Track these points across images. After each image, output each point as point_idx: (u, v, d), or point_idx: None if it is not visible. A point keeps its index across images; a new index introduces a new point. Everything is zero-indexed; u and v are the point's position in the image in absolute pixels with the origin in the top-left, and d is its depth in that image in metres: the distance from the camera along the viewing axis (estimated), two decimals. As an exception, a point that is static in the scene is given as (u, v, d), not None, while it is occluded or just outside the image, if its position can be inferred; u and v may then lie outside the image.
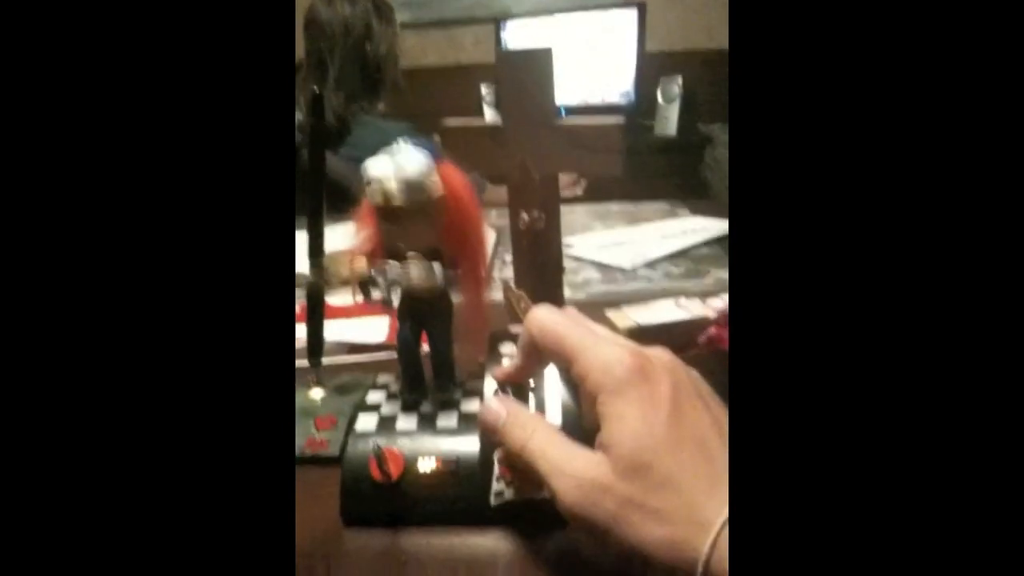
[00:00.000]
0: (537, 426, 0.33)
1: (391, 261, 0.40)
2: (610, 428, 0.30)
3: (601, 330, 0.35)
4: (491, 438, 0.35)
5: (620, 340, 0.33)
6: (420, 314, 0.42)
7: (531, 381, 0.39)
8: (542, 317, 0.35)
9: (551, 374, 0.39)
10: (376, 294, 0.41)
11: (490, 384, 0.39)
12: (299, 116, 1.80)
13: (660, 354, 0.32)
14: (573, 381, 0.37)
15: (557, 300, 0.53)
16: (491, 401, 0.36)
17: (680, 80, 2.28)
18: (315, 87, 0.48)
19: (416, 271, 0.39)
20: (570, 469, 0.30)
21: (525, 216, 0.49)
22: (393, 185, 0.37)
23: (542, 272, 0.51)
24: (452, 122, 0.50)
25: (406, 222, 0.38)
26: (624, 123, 0.44)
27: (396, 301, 0.42)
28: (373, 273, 0.40)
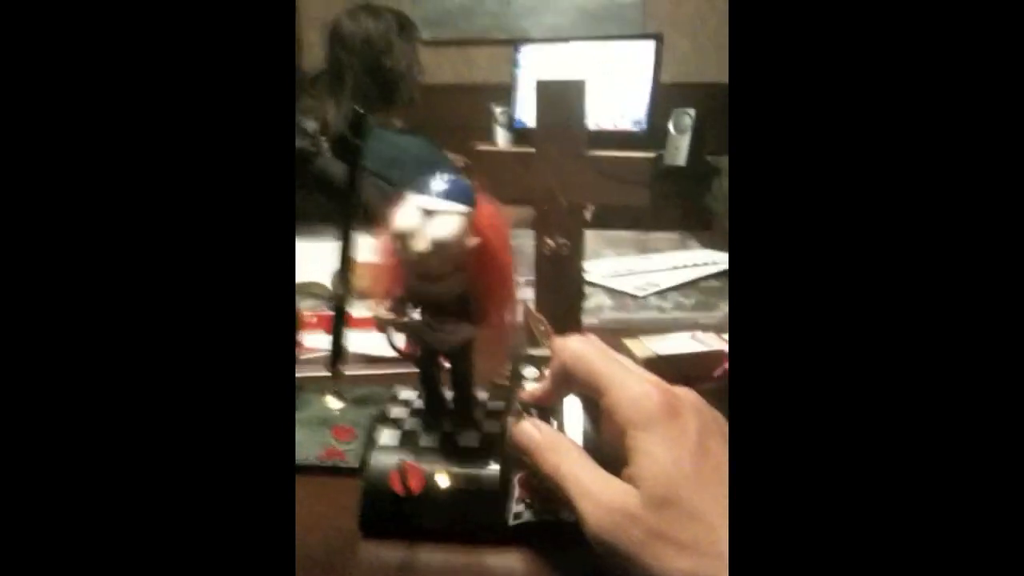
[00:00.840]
0: (571, 450, 0.34)
1: (417, 320, 0.38)
2: (640, 462, 0.31)
3: (627, 363, 0.36)
4: (522, 459, 0.36)
5: (648, 375, 0.34)
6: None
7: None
8: (574, 347, 0.36)
9: (572, 401, 0.39)
10: (399, 343, 0.40)
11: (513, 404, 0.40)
12: (312, 126, 1.82)
13: (686, 393, 0.33)
14: (595, 410, 0.38)
15: (575, 325, 0.54)
16: (526, 424, 0.37)
17: (692, 112, 2.31)
18: (356, 107, 0.49)
19: (449, 340, 0.38)
20: (600, 495, 0.31)
21: (550, 242, 0.50)
22: (427, 249, 0.34)
23: (562, 297, 0.52)
24: (482, 147, 0.51)
25: (436, 283, 0.36)
26: (654, 157, 0.45)
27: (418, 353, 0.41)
28: (400, 326, 0.38)
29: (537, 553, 0.37)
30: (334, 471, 0.44)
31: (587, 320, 0.75)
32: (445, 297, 0.38)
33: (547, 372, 0.38)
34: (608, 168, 0.47)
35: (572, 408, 0.39)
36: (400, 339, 0.41)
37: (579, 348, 0.36)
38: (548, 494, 0.37)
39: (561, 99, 0.46)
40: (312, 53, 2.65)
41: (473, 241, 0.36)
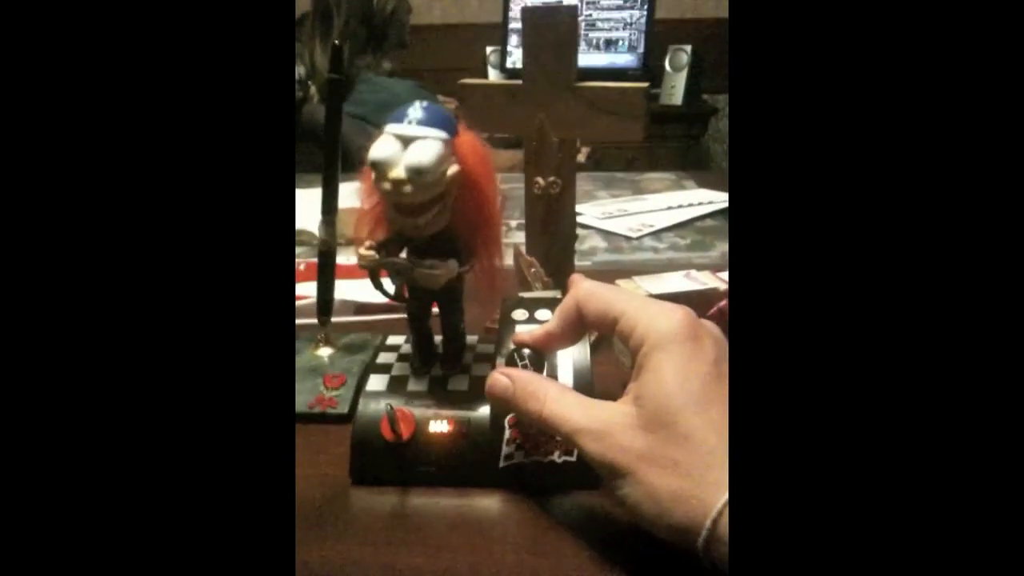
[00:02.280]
0: (548, 391, 0.33)
1: (402, 259, 0.37)
2: (645, 379, 0.30)
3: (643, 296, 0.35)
4: (502, 408, 0.36)
5: (674, 304, 0.33)
6: (431, 291, 0.40)
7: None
8: (588, 283, 0.36)
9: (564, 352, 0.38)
10: (387, 286, 0.40)
11: (503, 345, 0.39)
12: (300, 71, 1.77)
13: (711, 325, 0.33)
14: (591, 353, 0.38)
15: (568, 267, 0.53)
16: (496, 375, 0.35)
17: (689, 49, 2.25)
18: (335, 41, 0.46)
19: (433, 274, 0.37)
20: (591, 423, 0.31)
21: (541, 181, 0.48)
22: (404, 178, 0.33)
23: (554, 239, 0.51)
24: (469, 82, 0.49)
25: (419, 215, 0.35)
26: (646, 87, 0.43)
27: (407, 294, 0.41)
28: (385, 267, 0.38)
29: (527, 495, 0.36)
30: (324, 418, 0.43)
31: (580, 262, 0.74)
32: (428, 233, 0.37)
33: (553, 314, 0.37)
34: (599, 101, 0.45)
35: (564, 355, 0.38)
36: (387, 281, 0.40)
37: (593, 284, 0.36)
38: (538, 436, 0.36)
39: (549, 27, 0.44)
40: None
41: (453, 168, 0.35)
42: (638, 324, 0.32)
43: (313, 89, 1.66)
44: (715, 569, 0.27)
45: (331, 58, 0.47)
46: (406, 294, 0.40)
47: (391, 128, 0.34)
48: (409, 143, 0.34)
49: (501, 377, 0.35)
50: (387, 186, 0.34)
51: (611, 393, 0.33)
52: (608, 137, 0.46)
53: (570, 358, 0.38)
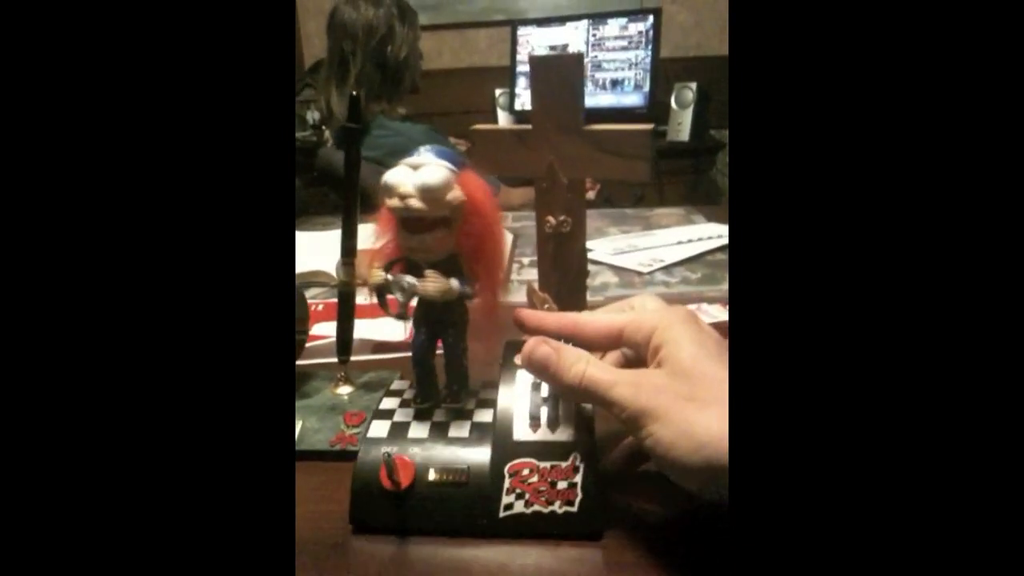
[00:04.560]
0: (590, 358, 0.36)
1: (408, 276, 0.39)
2: (667, 350, 0.34)
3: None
4: (543, 378, 0.38)
5: None
6: (435, 322, 0.42)
7: None
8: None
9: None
10: (391, 304, 0.41)
11: (504, 394, 0.40)
12: (314, 117, 1.82)
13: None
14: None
15: (580, 303, 0.54)
16: (538, 343, 0.37)
17: (695, 86, 2.29)
18: (352, 90, 0.48)
19: (432, 286, 0.39)
20: (628, 378, 0.34)
21: (551, 220, 0.50)
22: (412, 193, 0.37)
23: (566, 275, 0.52)
24: (480, 128, 0.51)
25: (425, 232, 0.38)
26: (653, 129, 0.45)
27: (411, 314, 0.42)
28: (390, 282, 0.40)
29: (528, 545, 0.36)
30: (345, 456, 0.44)
31: (593, 297, 0.75)
32: (434, 257, 0.39)
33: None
34: (606, 142, 0.46)
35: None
36: (393, 302, 0.41)
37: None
38: (539, 485, 0.37)
39: (556, 73, 0.46)
40: (312, 43, 2.66)
41: (458, 195, 0.38)
42: (645, 319, 0.36)
43: (328, 133, 1.70)
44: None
45: (349, 107, 0.49)
46: (411, 313, 0.42)
47: (404, 161, 0.38)
48: (418, 168, 0.37)
49: (543, 345, 0.37)
50: (396, 202, 0.37)
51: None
52: (616, 177, 0.47)
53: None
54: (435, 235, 0.38)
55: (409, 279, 0.39)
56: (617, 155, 0.46)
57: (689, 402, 0.31)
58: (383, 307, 0.41)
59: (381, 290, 0.40)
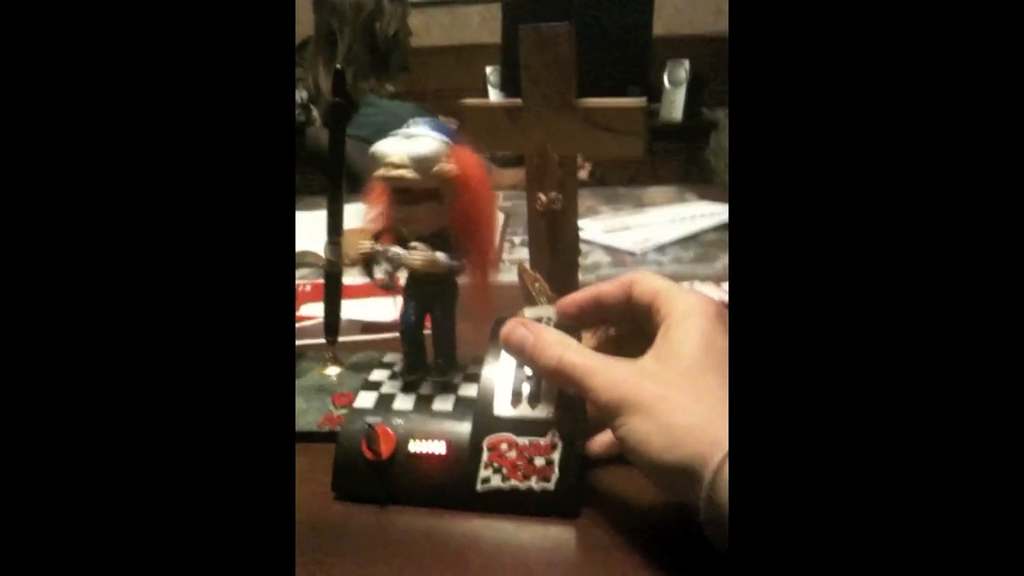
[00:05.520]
0: (569, 344, 0.35)
1: (394, 247, 0.39)
2: (672, 339, 0.32)
3: None
4: (521, 360, 0.37)
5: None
6: (425, 296, 0.42)
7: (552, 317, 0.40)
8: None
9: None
10: (378, 274, 0.41)
11: (488, 369, 0.40)
12: (302, 96, 1.79)
13: None
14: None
15: (572, 282, 0.53)
16: (514, 325, 0.36)
17: (687, 64, 2.27)
18: (337, 65, 0.47)
19: (419, 257, 0.38)
20: (607, 367, 0.32)
21: (543, 197, 0.49)
22: (403, 163, 0.36)
23: (558, 254, 0.51)
24: (470, 102, 0.50)
25: (416, 205, 0.38)
26: (645, 104, 0.44)
27: (400, 283, 0.41)
28: (376, 253, 0.39)
29: (503, 520, 0.36)
30: (334, 437, 0.43)
31: (585, 276, 0.74)
32: (425, 230, 0.38)
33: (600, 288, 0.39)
34: (598, 118, 0.45)
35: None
36: (379, 273, 0.41)
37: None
38: (516, 460, 0.37)
39: (546, 45, 0.45)
40: (299, 21, 2.62)
41: (450, 167, 0.37)
42: (671, 297, 0.34)
43: (316, 112, 1.68)
44: (713, 521, 0.27)
45: (334, 82, 0.48)
46: (398, 283, 0.41)
47: (397, 133, 0.37)
48: (410, 138, 0.37)
49: (520, 327, 0.36)
50: (386, 171, 0.36)
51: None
52: (609, 154, 0.46)
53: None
54: (425, 207, 0.37)
55: (395, 250, 0.39)
56: (609, 131, 0.45)
57: (675, 397, 0.30)
58: (370, 276, 0.41)
59: (368, 260, 0.40)
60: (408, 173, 0.36)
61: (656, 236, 0.88)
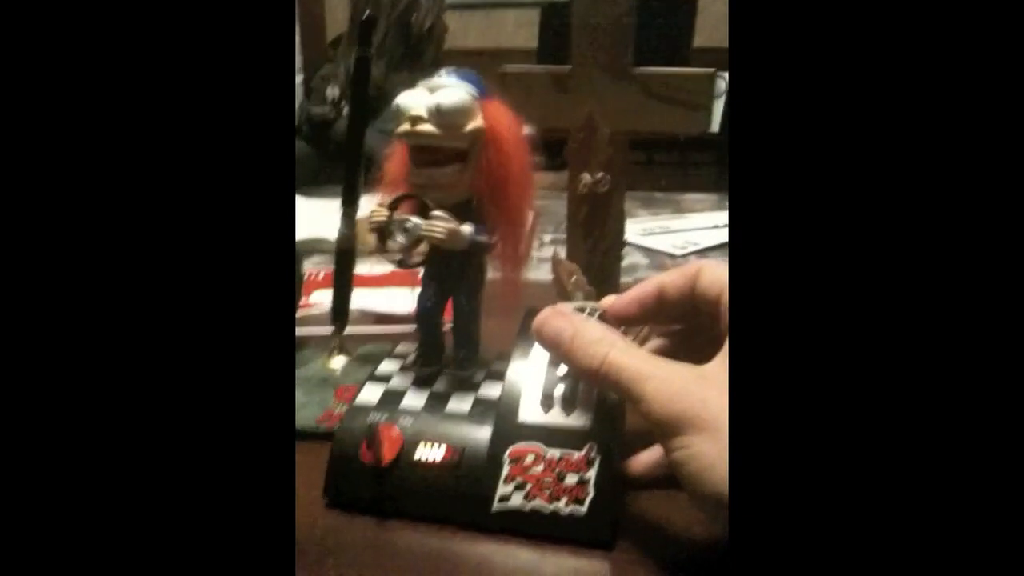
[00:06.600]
0: (616, 339, 0.29)
1: (414, 217, 0.33)
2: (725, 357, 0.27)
3: None
4: (556, 356, 0.31)
5: None
6: (446, 279, 0.35)
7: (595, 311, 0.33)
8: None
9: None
10: (392, 245, 0.34)
11: (516, 367, 0.34)
12: (333, 93, 1.76)
13: None
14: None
15: (613, 278, 0.48)
16: (550, 314, 0.31)
17: (727, 76, 2.22)
18: (365, 52, 0.41)
19: (441, 228, 0.32)
20: (662, 371, 0.27)
21: (587, 177, 0.43)
22: (425, 117, 0.31)
23: (599, 243, 0.45)
24: (512, 67, 0.44)
25: (439, 167, 0.32)
26: (715, 72, 0.38)
27: (414, 260, 0.35)
28: (391, 223, 0.34)
29: (521, 546, 0.30)
30: (331, 436, 0.37)
31: (622, 279, 0.69)
32: (449, 199, 0.33)
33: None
34: (660, 88, 0.39)
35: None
36: (394, 244, 0.34)
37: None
38: (544, 477, 0.31)
39: (603, 4, 0.39)
40: (336, 18, 2.61)
41: (478, 122, 0.32)
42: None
43: (347, 109, 1.64)
44: None
45: (356, 67, 0.42)
46: (413, 259, 0.35)
47: (423, 83, 0.32)
48: (436, 90, 0.31)
49: (557, 317, 0.30)
50: (407, 126, 0.31)
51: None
52: (668, 129, 0.40)
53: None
54: (449, 170, 0.32)
55: (414, 219, 0.33)
56: (672, 103, 0.39)
57: (723, 404, 0.25)
58: (381, 250, 0.35)
59: (382, 231, 0.34)
60: (429, 128, 0.31)
61: (697, 240, 0.82)
